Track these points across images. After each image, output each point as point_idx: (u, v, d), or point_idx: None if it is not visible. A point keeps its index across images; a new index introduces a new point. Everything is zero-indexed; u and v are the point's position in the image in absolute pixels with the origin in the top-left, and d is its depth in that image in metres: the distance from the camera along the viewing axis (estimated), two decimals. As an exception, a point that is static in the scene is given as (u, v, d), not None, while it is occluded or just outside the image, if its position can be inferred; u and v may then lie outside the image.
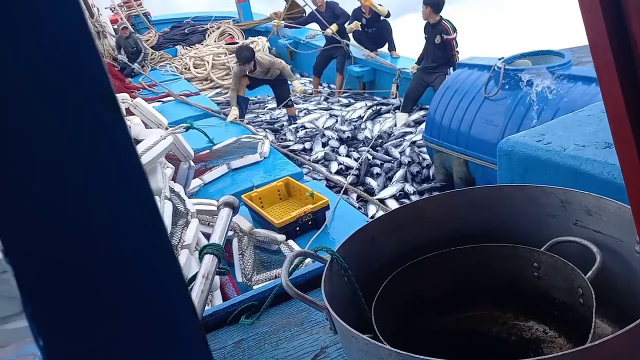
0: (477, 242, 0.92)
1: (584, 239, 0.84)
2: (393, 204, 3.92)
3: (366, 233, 0.92)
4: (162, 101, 6.50)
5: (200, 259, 1.07)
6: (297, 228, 3.14)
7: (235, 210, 1.10)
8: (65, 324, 0.28)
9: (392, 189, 4.18)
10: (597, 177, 1.11)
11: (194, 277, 1.04)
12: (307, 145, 5.22)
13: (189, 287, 1.02)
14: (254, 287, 2.55)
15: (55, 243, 0.28)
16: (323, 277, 0.83)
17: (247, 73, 5.70)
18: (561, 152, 1.06)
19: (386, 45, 6.70)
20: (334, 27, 6.74)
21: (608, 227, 0.85)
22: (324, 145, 5.14)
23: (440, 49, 5.08)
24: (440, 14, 5.06)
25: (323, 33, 7.21)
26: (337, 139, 5.15)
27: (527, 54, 3.78)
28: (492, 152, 3.54)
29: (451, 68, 5.09)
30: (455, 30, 5.11)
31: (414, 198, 4.12)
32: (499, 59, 3.80)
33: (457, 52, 5.18)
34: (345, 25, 6.75)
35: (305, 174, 4.23)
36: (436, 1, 4.96)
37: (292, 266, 1.15)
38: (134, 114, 3.30)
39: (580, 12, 0.46)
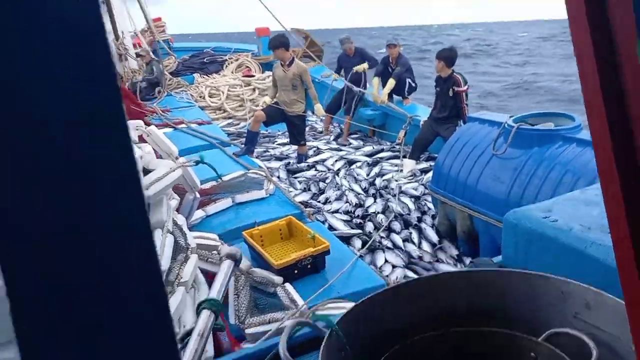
0: (476, 323, 0.91)
1: (582, 333, 0.83)
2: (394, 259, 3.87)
3: (367, 306, 0.91)
4: (174, 127, 6.58)
5: (198, 313, 1.06)
6: (296, 271, 3.10)
7: (237, 262, 1.10)
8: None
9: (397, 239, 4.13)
10: (601, 262, 1.10)
11: (189, 333, 1.03)
12: (315, 187, 5.22)
13: (184, 343, 1.00)
14: (247, 331, 2.51)
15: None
16: (321, 350, 0.82)
17: (282, 64, 5.68)
18: (567, 232, 1.06)
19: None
20: (364, 65, 7.00)
21: (606, 323, 0.84)
22: (338, 188, 5.12)
23: (451, 100, 5.17)
24: (452, 67, 5.17)
25: (338, 78, 7.42)
26: (349, 188, 5.10)
27: (538, 114, 3.83)
28: (497, 209, 3.56)
29: (461, 120, 5.16)
30: (466, 82, 5.21)
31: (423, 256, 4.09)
32: (510, 117, 3.85)
33: (467, 104, 5.26)
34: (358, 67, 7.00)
35: (310, 215, 4.21)
36: (449, 55, 5.10)
37: (290, 334, 1.14)
38: (147, 142, 3.33)
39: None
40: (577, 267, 0.84)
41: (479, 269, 0.99)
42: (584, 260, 1.03)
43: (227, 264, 1.04)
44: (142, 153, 2.69)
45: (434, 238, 4.17)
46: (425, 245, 4.08)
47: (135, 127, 3.49)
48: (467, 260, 3.85)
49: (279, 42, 5.68)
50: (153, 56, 8.72)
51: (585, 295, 0.84)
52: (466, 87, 5.17)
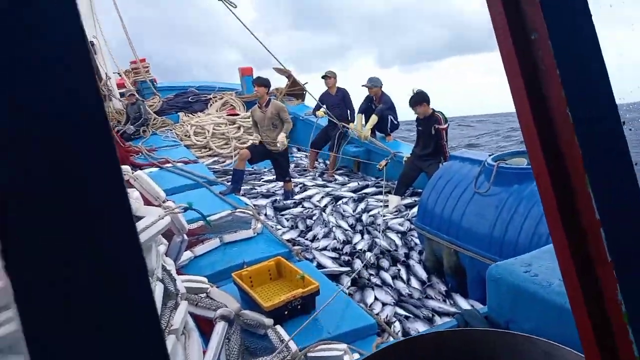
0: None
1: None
2: (384, 297, 3.89)
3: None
4: (160, 167, 6.61)
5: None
6: (286, 312, 3.11)
7: (230, 323, 1.13)
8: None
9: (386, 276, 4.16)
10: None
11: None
12: (302, 225, 5.25)
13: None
14: (238, 377, 2.49)
15: None
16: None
17: (259, 106, 5.85)
18: (547, 288, 1.11)
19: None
20: (322, 111, 7.30)
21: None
22: (325, 224, 5.15)
23: (433, 138, 5.31)
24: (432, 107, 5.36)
25: (315, 114, 7.61)
26: (336, 225, 5.14)
27: (515, 152, 3.96)
28: (483, 245, 3.63)
29: (441, 157, 5.30)
30: (446, 120, 5.38)
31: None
32: (489, 155, 3.98)
33: (447, 141, 5.41)
34: (318, 111, 7.43)
35: (298, 253, 4.23)
36: (427, 97, 5.31)
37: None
38: (134, 187, 3.36)
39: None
40: (559, 321, 0.89)
41: (468, 329, 1.03)
42: (564, 314, 1.08)
43: (221, 326, 1.07)
44: (131, 199, 2.71)
45: (423, 274, 4.20)
46: (414, 282, 4.11)
47: (122, 172, 3.52)
48: (456, 297, 3.88)
49: (259, 80, 5.88)
50: (138, 96, 8.81)
51: (568, 357, 0.89)
52: (446, 125, 5.33)
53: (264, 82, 5.90)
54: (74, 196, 0.33)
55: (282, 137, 5.83)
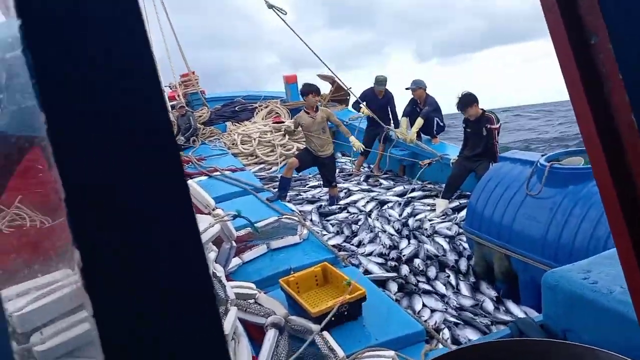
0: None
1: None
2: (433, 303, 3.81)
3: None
4: (209, 175, 6.79)
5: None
6: (333, 318, 3.10)
7: (281, 330, 1.14)
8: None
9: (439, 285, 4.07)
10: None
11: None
12: (348, 230, 5.24)
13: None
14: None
15: None
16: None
17: (306, 112, 5.87)
18: (608, 295, 1.06)
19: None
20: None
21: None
22: (371, 229, 5.12)
23: (483, 139, 5.18)
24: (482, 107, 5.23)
25: (360, 110, 7.57)
26: (382, 230, 5.10)
27: (568, 152, 3.80)
28: (536, 249, 3.49)
29: (492, 158, 5.15)
30: (498, 120, 5.23)
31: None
32: (541, 155, 3.83)
33: (497, 141, 5.26)
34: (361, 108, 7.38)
35: (344, 259, 4.22)
36: (476, 98, 5.17)
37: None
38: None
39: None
40: (621, 331, 0.84)
41: (523, 339, 0.99)
42: (627, 324, 1.02)
43: (272, 334, 1.08)
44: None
45: (472, 280, 4.09)
46: (464, 288, 4.01)
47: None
48: (508, 303, 3.75)
49: (311, 88, 5.93)
50: (188, 108, 9.11)
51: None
52: (499, 124, 5.19)
53: (316, 90, 5.98)
54: (143, 207, 0.35)
55: (354, 140, 6.16)
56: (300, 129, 6.10)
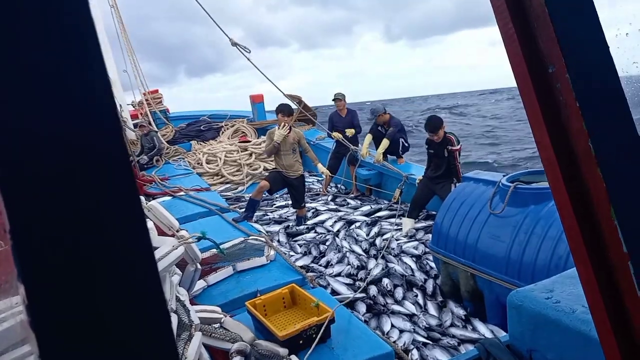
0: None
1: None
2: (401, 323, 3.81)
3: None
4: (173, 195, 6.65)
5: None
6: (301, 341, 3.05)
7: (247, 357, 1.11)
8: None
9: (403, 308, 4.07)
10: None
11: None
12: (315, 250, 5.21)
13: None
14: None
15: None
16: None
17: (282, 130, 5.81)
18: (570, 314, 1.08)
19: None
20: (351, 131, 7.38)
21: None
22: (339, 249, 5.11)
23: (445, 160, 5.29)
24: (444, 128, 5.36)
25: (332, 137, 7.63)
26: (349, 250, 5.09)
27: (530, 172, 3.92)
28: (500, 268, 3.56)
29: (454, 178, 5.27)
30: (459, 142, 5.37)
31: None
32: (503, 176, 3.94)
33: (460, 162, 5.38)
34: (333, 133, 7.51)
35: (312, 280, 4.18)
36: (442, 121, 5.31)
37: None
38: (148, 217, 3.37)
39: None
40: (584, 350, 0.85)
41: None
42: (589, 343, 1.04)
43: None
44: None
45: (439, 299, 4.12)
46: (431, 307, 4.03)
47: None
48: (475, 322, 3.79)
49: (288, 109, 5.96)
50: (152, 127, 8.95)
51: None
52: (459, 146, 5.31)
53: (289, 110, 6.00)
54: (95, 227, 0.33)
55: (322, 168, 6.19)
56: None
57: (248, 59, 6.71)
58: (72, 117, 0.32)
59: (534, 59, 0.41)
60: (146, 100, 10.52)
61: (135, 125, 9.59)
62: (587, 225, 0.48)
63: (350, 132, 7.38)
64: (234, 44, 6.73)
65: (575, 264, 0.59)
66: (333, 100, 7.52)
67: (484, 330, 3.65)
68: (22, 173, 0.30)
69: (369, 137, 7.14)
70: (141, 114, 10.00)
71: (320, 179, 8.14)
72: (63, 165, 0.31)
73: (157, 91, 10.89)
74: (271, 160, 6.58)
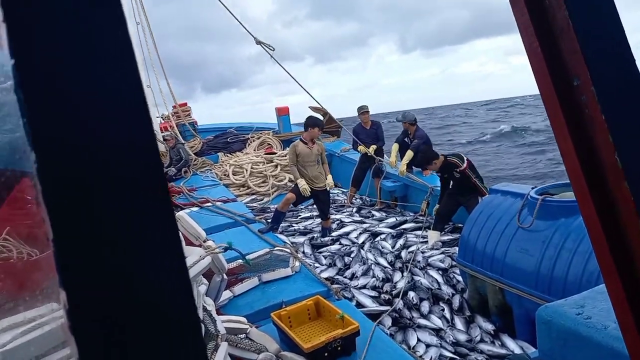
0: None
1: None
2: (427, 338, 3.75)
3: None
4: (200, 206, 6.75)
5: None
6: (326, 354, 3.04)
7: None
8: None
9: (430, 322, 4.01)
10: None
11: None
12: (340, 262, 5.20)
13: None
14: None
15: None
16: None
17: (303, 142, 5.85)
18: (602, 331, 1.05)
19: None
20: (373, 147, 7.38)
21: None
22: (364, 262, 5.08)
23: (460, 180, 5.25)
24: (442, 154, 5.34)
25: (358, 150, 7.64)
26: (374, 262, 5.06)
27: (559, 185, 3.83)
28: (529, 282, 3.48)
29: (479, 193, 5.19)
30: (462, 160, 5.26)
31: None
32: (532, 188, 3.86)
33: (477, 177, 5.27)
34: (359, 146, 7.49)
35: (337, 292, 4.16)
36: (429, 154, 5.33)
37: None
38: (175, 227, 3.43)
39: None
40: (617, 368, 0.83)
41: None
42: None
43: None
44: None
45: (467, 313, 4.05)
46: (459, 322, 3.96)
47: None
48: (504, 337, 3.70)
49: (316, 122, 5.98)
50: (180, 139, 9.14)
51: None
52: (466, 163, 5.21)
53: (319, 124, 6.01)
54: (132, 237, 0.34)
55: (330, 180, 6.08)
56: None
57: (271, 56, 6.83)
58: (112, 131, 0.34)
59: (558, 71, 0.41)
60: (176, 113, 10.77)
61: (164, 139, 9.82)
62: (616, 240, 0.47)
63: (372, 148, 7.37)
64: (258, 42, 6.85)
65: (604, 281, 0.58)
66: (359, 113, 7.56)
67: (513, 346, 3.56)
68: (65, 184, 0.33)
69: (395, 147, 7.13)
70: (170, 126, 10.23)
71: (345, 190, 8.14)
72: (103, 177, 0.33)
73: (185, 104, 11.13)
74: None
